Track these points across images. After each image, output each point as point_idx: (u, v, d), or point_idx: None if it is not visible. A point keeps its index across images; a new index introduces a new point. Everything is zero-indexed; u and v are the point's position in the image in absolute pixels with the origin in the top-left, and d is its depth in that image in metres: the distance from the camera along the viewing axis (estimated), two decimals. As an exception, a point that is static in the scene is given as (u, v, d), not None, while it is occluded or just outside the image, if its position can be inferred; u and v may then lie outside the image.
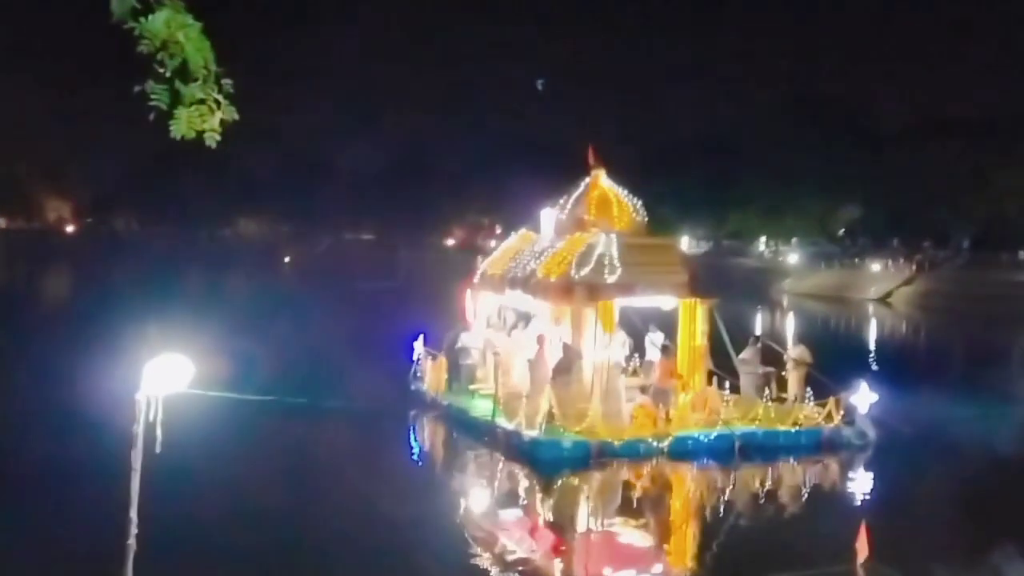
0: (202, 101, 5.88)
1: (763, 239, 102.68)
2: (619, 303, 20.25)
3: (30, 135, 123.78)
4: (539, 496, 17.39)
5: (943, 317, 62.25)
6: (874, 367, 36.08)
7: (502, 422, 19.55)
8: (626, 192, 21.78)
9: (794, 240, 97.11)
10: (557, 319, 20.70)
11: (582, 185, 21.78)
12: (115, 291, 58.08)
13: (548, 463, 18.37)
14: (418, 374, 23.25)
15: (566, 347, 19.69)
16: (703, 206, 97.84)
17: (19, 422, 19.87)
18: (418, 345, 23.40)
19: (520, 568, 13.15)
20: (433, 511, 15.49)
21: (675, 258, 20.87)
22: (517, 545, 14.24)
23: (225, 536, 13.00)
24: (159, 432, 7.57)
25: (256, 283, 69.07)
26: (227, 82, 5.94)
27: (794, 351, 22.36)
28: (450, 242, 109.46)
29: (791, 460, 19.86)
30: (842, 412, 20.40)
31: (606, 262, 19.88)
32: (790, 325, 59.57)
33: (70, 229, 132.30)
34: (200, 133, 5.95)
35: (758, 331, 44.35)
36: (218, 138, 6.02)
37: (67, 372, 23.81)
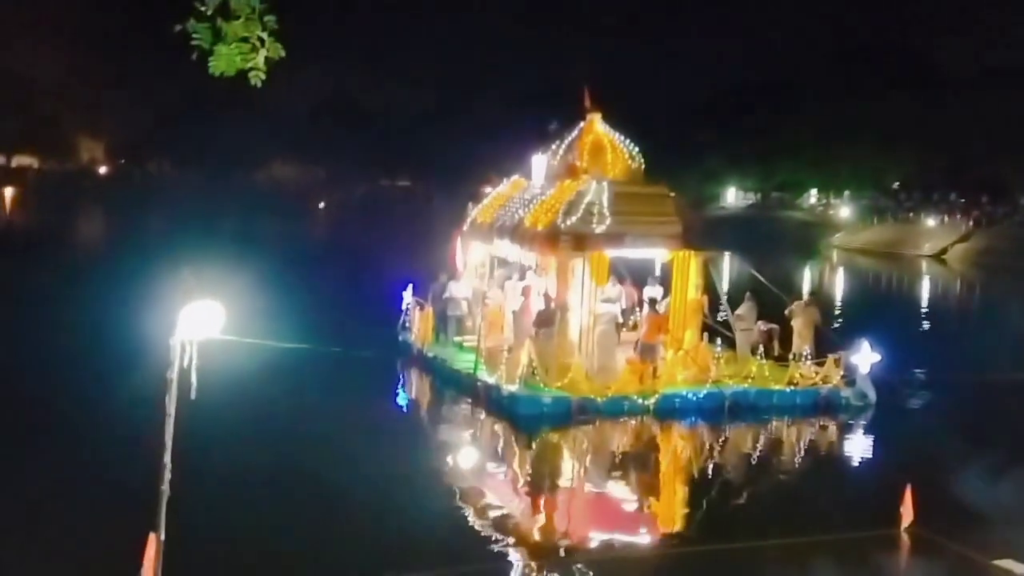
0: (245, 39, 5.72)
1: (813, 192, 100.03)
2: (608, 254, 19.36)
3: (65, 75, 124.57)
4: (515, 453, 16.78)
5: (1000, 276, 60.10)
6: (923, 327, 34.80)
7: (483, 376, 18.88)
8: (622, 138, 20.75)
9: (846, 193, 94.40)
10: (544, 269, 19.87)
11: (576, 130, 20.76)
12: (149, 234, 58.51)
13: (527, 419, 17.70)
14: (406, 324, 22.62)
15: (547, 299, 18.89)
16: (752, 156, 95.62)
17: (55, 366, 19.76)
18: (407, 294, 22.75)
19: (494, 526, 12.56)
20: (409, 466, 14.81)
21: (669, 208, 19.84)
22: (491, 502, 13.62)
23: (252, 484, 12.91)
24: (194, 378, 7.48)
25: (289, 229, 69.08)
26: (271, 19, 5.76)
27: (799, 307, 21.25)
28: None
29: (785, 420, 18.97)
30: (842, 372, 19.38)
31: (595, 211, 18.97)
32: (839, 282, 58.17)
33: (103, 170, 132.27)
34: (241, 71, 5.79)
35: (806, 288, 43.32)
36: (263, 77, 5.85)
37: (101, 317, 23.79)
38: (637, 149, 20.75)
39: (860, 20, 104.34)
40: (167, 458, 7.61)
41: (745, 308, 20.71)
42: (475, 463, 16.17)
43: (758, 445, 17.88)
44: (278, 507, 12.36)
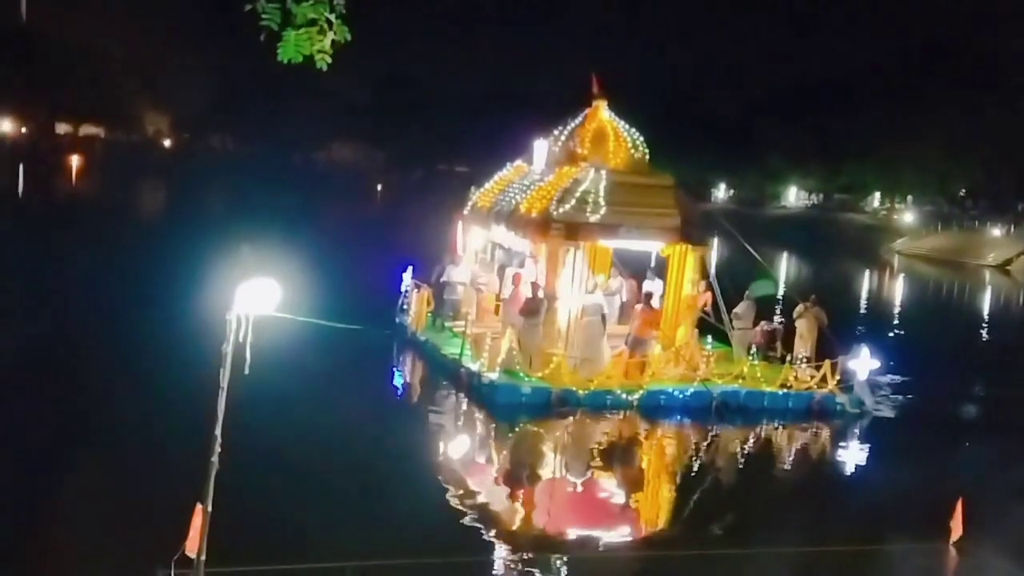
0: (313, 22, 5.79)
1: (877, 195, 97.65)
2: (601, 244, 18.94)
3: (134, 48, 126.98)
4: (487, 442, 16.50)
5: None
6: (973, 338, 33.77)
7: (467, 362, 18.60)
8: (627, 126, 20.18)
9: (909, 198, 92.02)
10: (536, 257, 19.51)
11: (580, 116, 20.29)
12: (210, 209, 59.41)
13: (505, 407, 17.37)
14: (404, 306, 22.41)
15: (535, 287, 18.51)
16: (816, 156, 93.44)
17: (114, 337, 20.00)
18: (406, 276, 22.54)
19: (452, 517, 12.32)
20: (383, 451, 14.40)
21: (669, 200, 19.25)
22: (450, 492, 13.29)
23: (279, 461, 12.86)
24: (248, 353, 7.53)
25: (346, 210, 69.56)
26: (339, 2, 5.85)
27: (804, 309, 20.56)
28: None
29: (775, 424, 18.37)
30: (838, 378, 18.70)
31: (589, 199, 18.49)
32: (898, 288, 56.93)
33: (167, 143, 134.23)
34: (308, 56, 5.87)
35: (864, 291, 42.13)
36: (329, 60, 5.94)
37: (159, 291, 24.15)
38: (642, 138, 20.17)
39: (934, 20, 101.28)
40: (218, 431, 7.67)
41: (743, 307, 20.15)
42: (445, 451, 15.83)
43: (744, 448, 17.39)
44: (296, 486, 12.31)
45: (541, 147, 20.47)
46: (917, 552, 11.69)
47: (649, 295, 19.29)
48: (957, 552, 11.86)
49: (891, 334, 32.57)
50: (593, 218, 18.45)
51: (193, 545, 8.03)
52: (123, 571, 9.39)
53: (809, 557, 11.52)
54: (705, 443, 17.39)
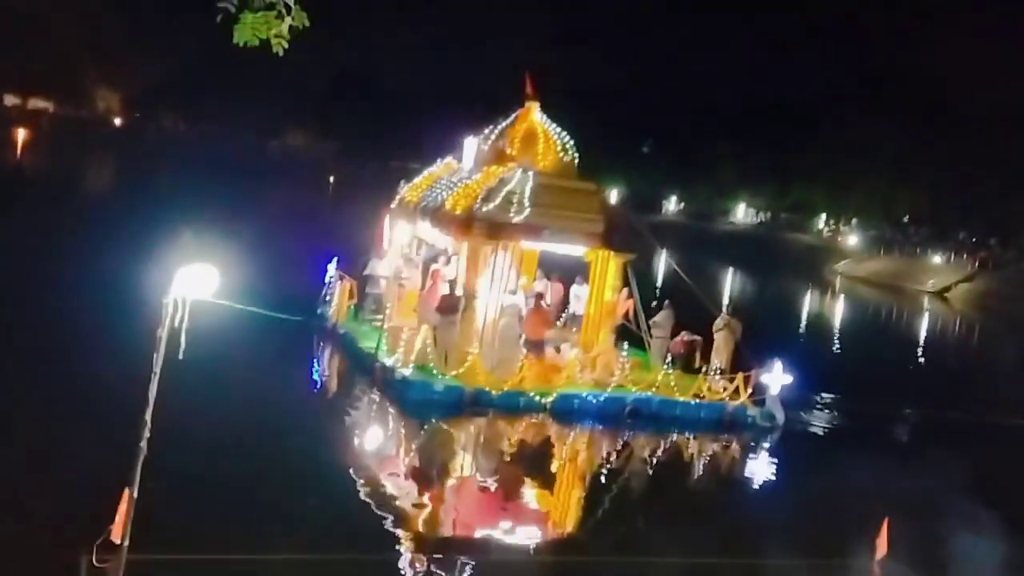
0: (271, 6, 5.76)
1: (824, 216, 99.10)
2: (523, 245, 18.90)
3: (87, 22, 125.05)
4: (395, 439, 16.36)
5: (999, 320, 59.17)
6: (913, 362, 34.27)
7: (383, 356, 18.45)
8: (558, 129, 20.16)
9: (854, 221, 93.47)
10: (458, 255, 19.42)
11: (511, 117, 20.24)
12: (156, 191, 58.51)
13: (417, 404, 17.25)
14: (327, 297, 22.20)
15: (452, 284, 18.44)
16: (766, 173, 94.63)
17: (49, 316, 19.54)
18: (331, 268, 22.34)
19: (362, 508, 12.21)
20: (288, 444, 14.12)
21: (594, 205, 19.28)
22: (359, 485, 13.14)
23: (213, 450, 12.76)
24: (183, 338, 7.48)
25: (299, 202, 68.81)
26: None
27: (722, 321, 20.69)
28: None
29: (687, 433, 18.43)
30: (750, 391, 18.82)
31: (514, 200, 18.44)
32: (838, 309, 57.69)
33: (118, 121, 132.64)
34: (265, 40, 5.85)
35: (803, 310, 42.38)
36: (286, 45, 5.90)
37: (97, 271, 23.83)
38: (572, 142, 20.16)
39: (885, 48, 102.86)
40: (148, 415, 7.58)
41: (662, 316, 20.24)
42: (353, 446, 15.61)
43: (653, 456, 17.42)
44: (211, 478, 12.01)
45: (471, 145, 20.41)
46: (841, 569, 11.76)
47: (540, 295, 19.30)
48: (881, 570, 11.78)
49: (824, 353, 33.05)
50: (516, 219, 18.40)
51: (119, 530, 7.90)
52: (46, 556, 9.20)
53: (720, 569, 11.61)
54: (614, 449, 17.44)
